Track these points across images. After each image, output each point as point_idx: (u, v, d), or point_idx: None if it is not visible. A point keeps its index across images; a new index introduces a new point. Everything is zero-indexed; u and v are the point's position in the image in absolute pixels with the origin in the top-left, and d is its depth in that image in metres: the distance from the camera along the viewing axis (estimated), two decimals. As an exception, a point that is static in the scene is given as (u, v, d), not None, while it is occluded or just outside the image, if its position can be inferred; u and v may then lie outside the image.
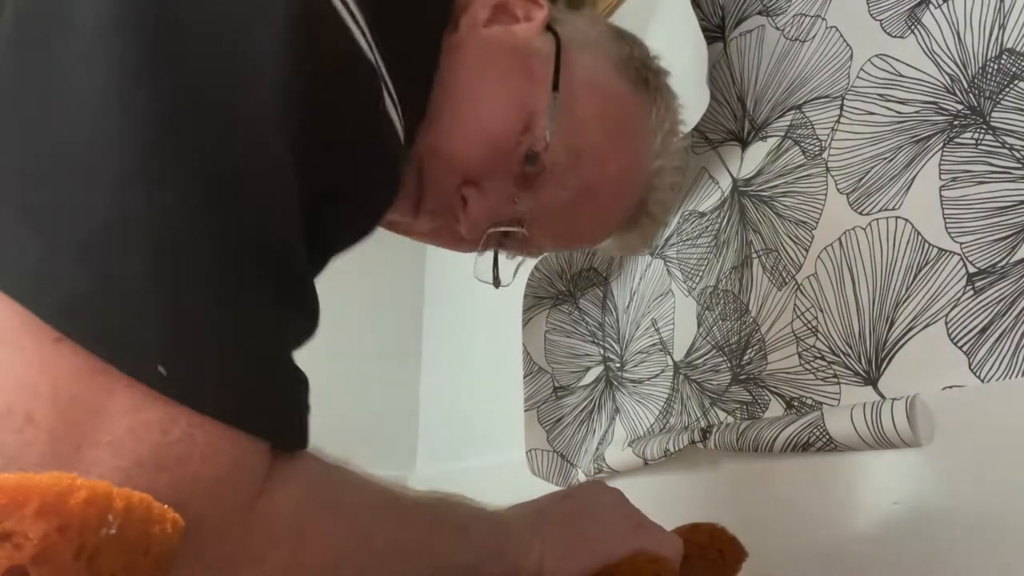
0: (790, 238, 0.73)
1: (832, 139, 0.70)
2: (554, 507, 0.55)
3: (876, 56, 0.67)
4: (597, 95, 0.56)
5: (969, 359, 0.56)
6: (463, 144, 0.52)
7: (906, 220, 0.62)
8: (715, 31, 0.87)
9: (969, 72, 0.59)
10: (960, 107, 0.59)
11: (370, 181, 0.41)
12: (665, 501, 0.80)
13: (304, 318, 0.37)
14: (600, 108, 0.56)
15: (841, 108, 0.70)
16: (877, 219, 0.65)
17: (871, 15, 0.68)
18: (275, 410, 0.34)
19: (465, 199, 0.54)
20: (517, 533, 0.51)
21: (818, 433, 0.63)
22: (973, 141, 0.58)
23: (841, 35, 0.71)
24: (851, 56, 0.70)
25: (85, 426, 0.29)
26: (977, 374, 0.55)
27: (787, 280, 0.72)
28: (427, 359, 1.69)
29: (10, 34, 0.33)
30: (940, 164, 0.60)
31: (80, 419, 0.29)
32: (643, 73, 0.59)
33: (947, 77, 0.61)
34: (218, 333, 0.32)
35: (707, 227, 0.84)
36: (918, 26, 0.64)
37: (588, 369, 1.02)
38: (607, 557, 0.52)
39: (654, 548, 0.53)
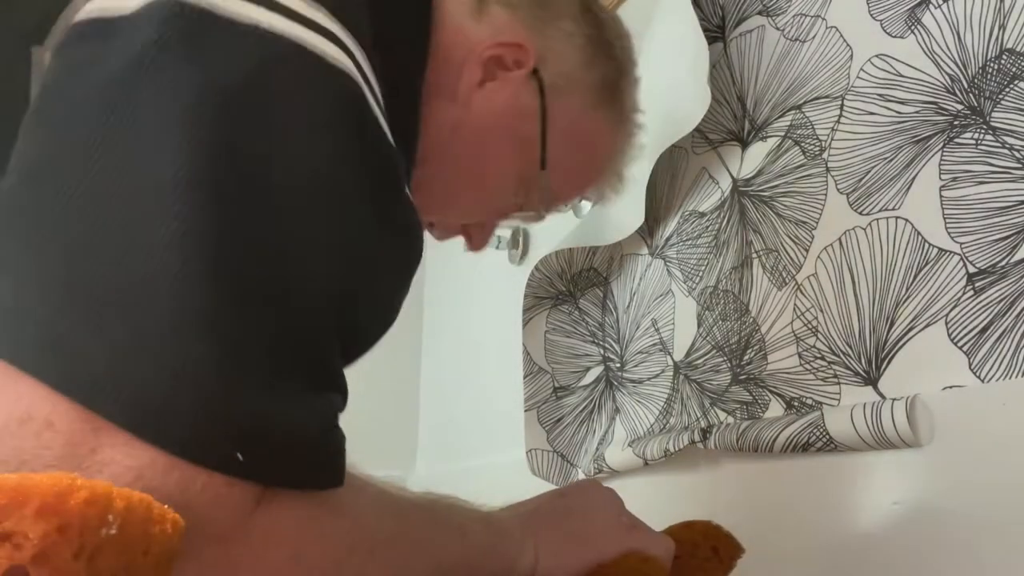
0: (790, 238, 0.73)
1: (832, 139, 0.70)
2: (547, 507, 0.56)
3: (876, 56, 0.67)
4: (579, 142, 0.62)
5: (969, 359, 0.56)
6: (468, 212, 0.62)
7: (906, 220, 0.62)
8: (715, 31, 0.87)
9: (969, 72, 0.59)
10: (960, 107, 0.59)
11: (402, 257, 0.43)
12: (665, 501, 0.80)
13: (341, 398, 0.39)
14: (581, 152, 0.63)
15: (841, 108, 0.70)
16: (877, 219, 0.65)
17: (871, 15, 0.68)
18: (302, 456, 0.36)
19: (470, 233, 0.64)
20: (512, 533, 0.51)
21: (818, 433, 0.63)
22: (973, 141, 0.58)
23: (841, 35, 0.71)
24: (851, 56, 0.70)
25: (102, 430, 0.30)
26: (977, 374, 0.55)
27: (787, 280, 0.72)
28: (427, 359, 1.69)
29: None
30: (940, 164, 0.60)
31: (98, 424, 0.30)
32: (615, 94, 0.63)
33: (947, 77, 0.61)
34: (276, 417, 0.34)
35: (707, 227, 0.84)
36: (918, 26, 0.64)
37: (588, 369, 1.02)
38: (600, 556, 0.53)
39: (646, 548, 0.54)
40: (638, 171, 0.90)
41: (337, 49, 0.37)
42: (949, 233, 0.59)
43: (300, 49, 0.36)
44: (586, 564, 0.52)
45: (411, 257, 0.44)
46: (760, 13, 0.81)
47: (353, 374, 0.40)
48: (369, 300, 0.41)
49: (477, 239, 0.65)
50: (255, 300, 0.33)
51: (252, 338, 0.33)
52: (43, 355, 0.31)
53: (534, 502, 0.57)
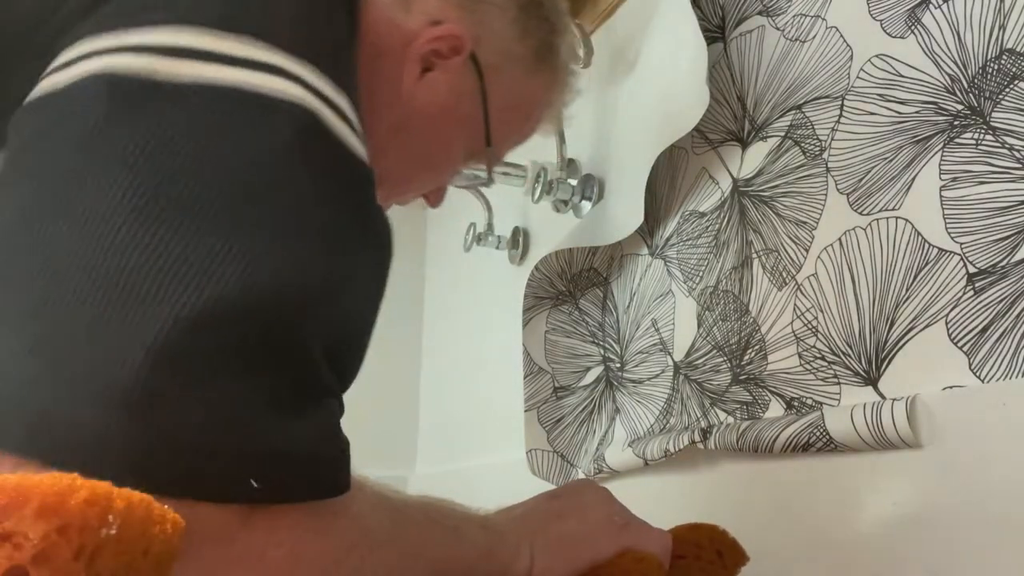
0: (790, 238, 0.73)
1: (832, 139, 0.70)
2: (541, 509, 0.56)
3: (876, 56, 0.67)
4: (519, 111, 0.66)
5: (969, 359, 0.56)
6: (422, 189, 0.68)
7: (906, 220, 0.62)
8: (715, 31, 0.87)
9: (969, 72, 0.59)
10: (960, 107, 0.59)
11: (378, 270, 0.43)
12: (665, 501, 0.80)
13: (338, 403, 0.39)
14: (522, 118, 0.67)
15: (841, 108, 0.70)
16: (877, 219, 0.65)
17: (871, 15, 0.68)
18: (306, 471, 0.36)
19: (426, 195, 0.69)
20: (507, 536, 0.51)
21: (818, 433, 0.63)
22: (973, 141, 0.58)
23: (841, 35, 0.71)
24: (851, 56, 0.70)
25: None
26: (977, 374, 0.55)
27: (787, 280, 0.72)
28: (427, 359, 1.69)
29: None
30: (940, 164, 0.60)
31: None
32: (550, 56, 0.65)
33: (947, 77, 0.61)
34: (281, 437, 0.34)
35: (707, 227, 0.84)
36: (918, 26, 0.64)
37: (588, 369, 1.02)
38: (595, 556, 0.53)
39: (641, 546, 0.54)
40: (638, 172, 0.90)
41: (283, 81, 0.37)
42: (949, 233, 0.59)
43: (240, 94, 0.36)
44: (581, 565, 0.52)
45: (383, 269, 0.44)
46: (760, 13, 0.81)
47: (353, 374, 0.41)
48: (350, 311, 0.40)
49: (434, 198, 0.70)
50: (241, 325, 0.33)
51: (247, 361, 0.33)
52: (29, 434, 0.30)
53: (527, 504, 0.56)
